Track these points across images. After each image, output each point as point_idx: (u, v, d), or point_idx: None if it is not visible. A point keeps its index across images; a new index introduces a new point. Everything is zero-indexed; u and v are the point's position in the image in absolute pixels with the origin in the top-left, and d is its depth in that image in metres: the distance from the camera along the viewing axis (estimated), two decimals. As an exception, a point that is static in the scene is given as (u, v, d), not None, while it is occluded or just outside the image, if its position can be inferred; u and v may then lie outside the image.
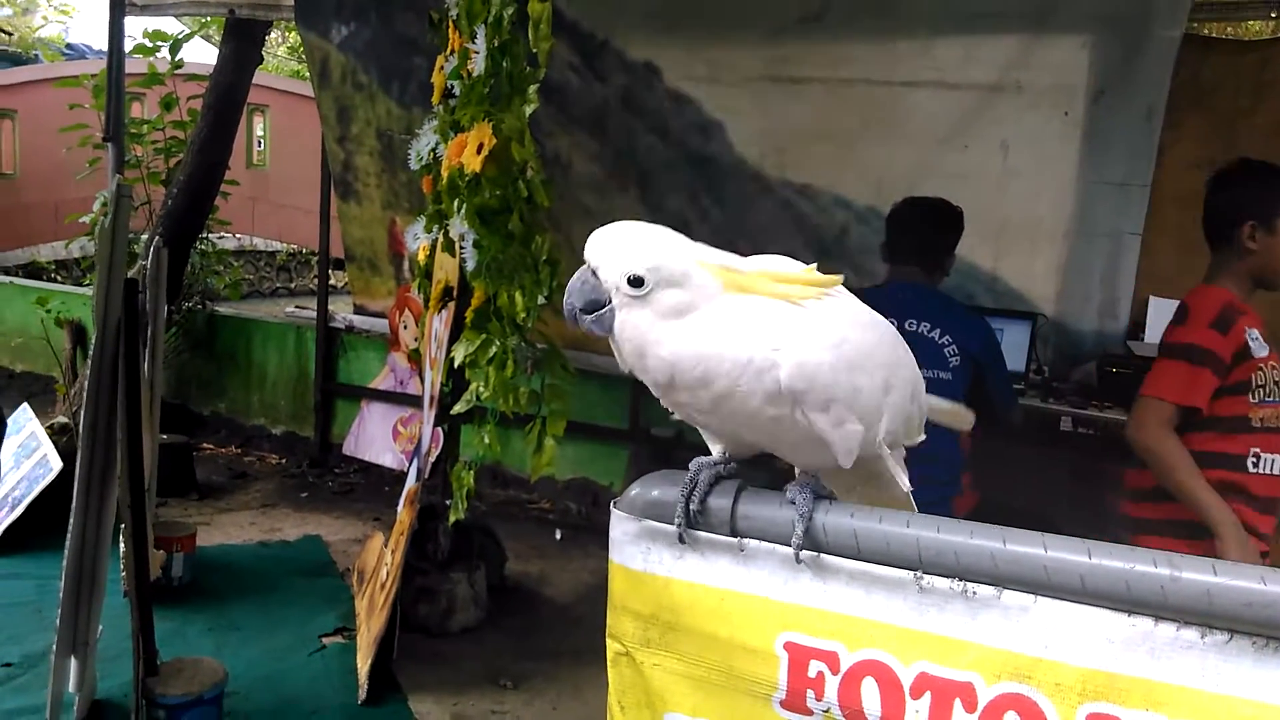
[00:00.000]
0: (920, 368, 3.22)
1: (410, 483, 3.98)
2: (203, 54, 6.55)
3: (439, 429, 3.83)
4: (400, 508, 3.93)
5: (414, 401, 5.35)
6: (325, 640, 3.81)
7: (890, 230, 3.37)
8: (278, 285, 12.23)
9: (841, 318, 1.19)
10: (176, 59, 5.79)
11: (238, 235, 10.86)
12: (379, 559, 3.97)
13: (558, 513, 5.51)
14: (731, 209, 4.75)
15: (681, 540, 1.12)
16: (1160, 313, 4.14)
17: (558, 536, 5.15)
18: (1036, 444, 4.09)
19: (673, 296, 1.11)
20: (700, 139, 4.74)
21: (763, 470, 1.25)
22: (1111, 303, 4.25)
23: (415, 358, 4.59)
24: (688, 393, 1.12)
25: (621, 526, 1.13)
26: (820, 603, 1.00)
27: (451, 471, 3.42)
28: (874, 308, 3.45)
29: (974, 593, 0.93)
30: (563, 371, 3.18)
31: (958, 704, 0.92)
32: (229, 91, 5.39)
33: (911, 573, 0.96)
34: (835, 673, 0.98)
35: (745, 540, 1.06)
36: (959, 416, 1.51)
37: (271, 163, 11.01)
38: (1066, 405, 3.96)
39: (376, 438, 5.76)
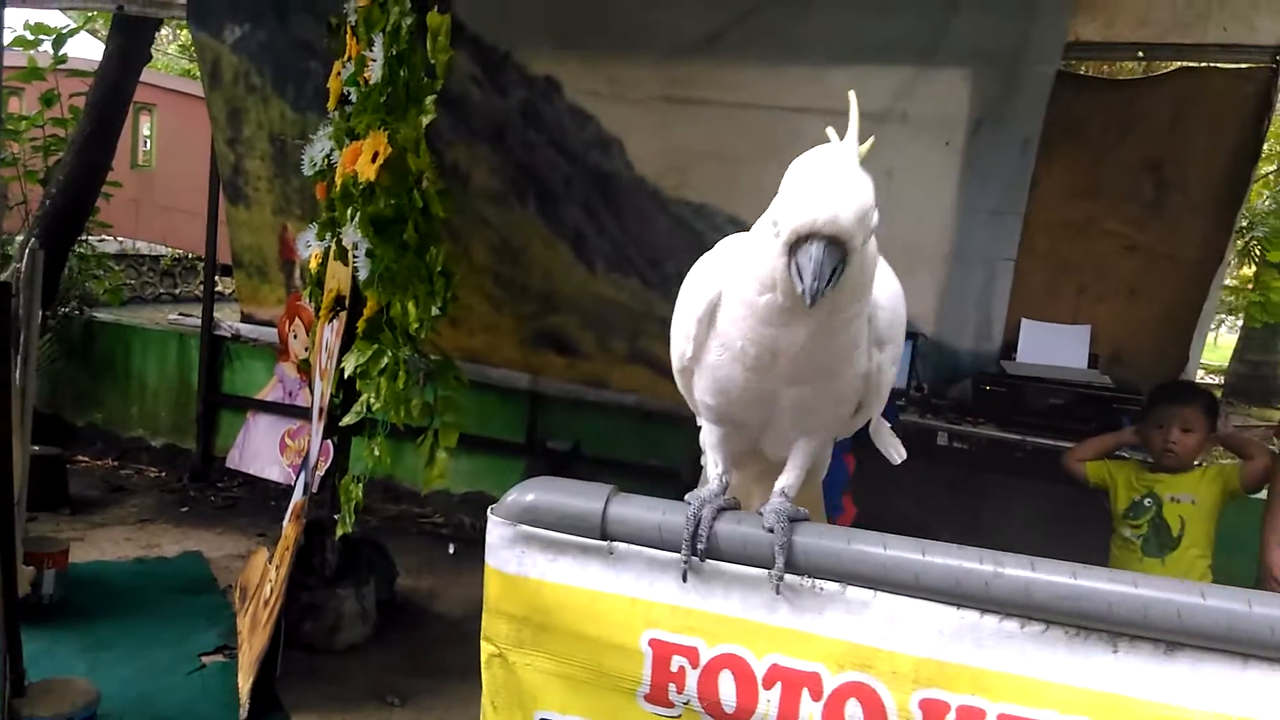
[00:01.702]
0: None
1: (297, 496, 3.90)
2: (89, 49, 6.28)
3: (328, 441, 3.77)
4: (286, 522, 3.85)
5: (303, 413, 5.24)
6: (205, 659, 3.69)
7: None
8: (161, 291, 11.76)
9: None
10: (59, 54, 5.56)
11: (120, 239, 10.44)
12: (263, 575, 3.87)
13: (452, 527, 5.47)
14: (629, 225, 4.82)
15: (684, 578, 1.10)
16: (1032, 335, 4.38)
17: (451, 551, 5.11)
18: (915, 458, 4.24)
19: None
20: (599, 155, 4.79)
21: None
22: (986, 324, 4.47)
23: (305, 368, 4.51)
24: (853, 312, 1.12)
25: (497, 531, 1.15)
26: (683, 601, 1.05)
27: (340, 485, 3.37)
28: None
29: (821, 589, 0.99)
30: (456, 383, 3.19)
31: (805, 693, 0.98)
32: (114, 90, 5.21)
33: (767, 571, 1.02)
34: (695, 667, 1.03)
35: (615, 544, 1.10)
36: (898, 449, 1.51)
37: (158, 164, 10.62)
38: (944, 421, 4.14)
39: (263, 450, 5.61)
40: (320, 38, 4.50)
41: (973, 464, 4.36)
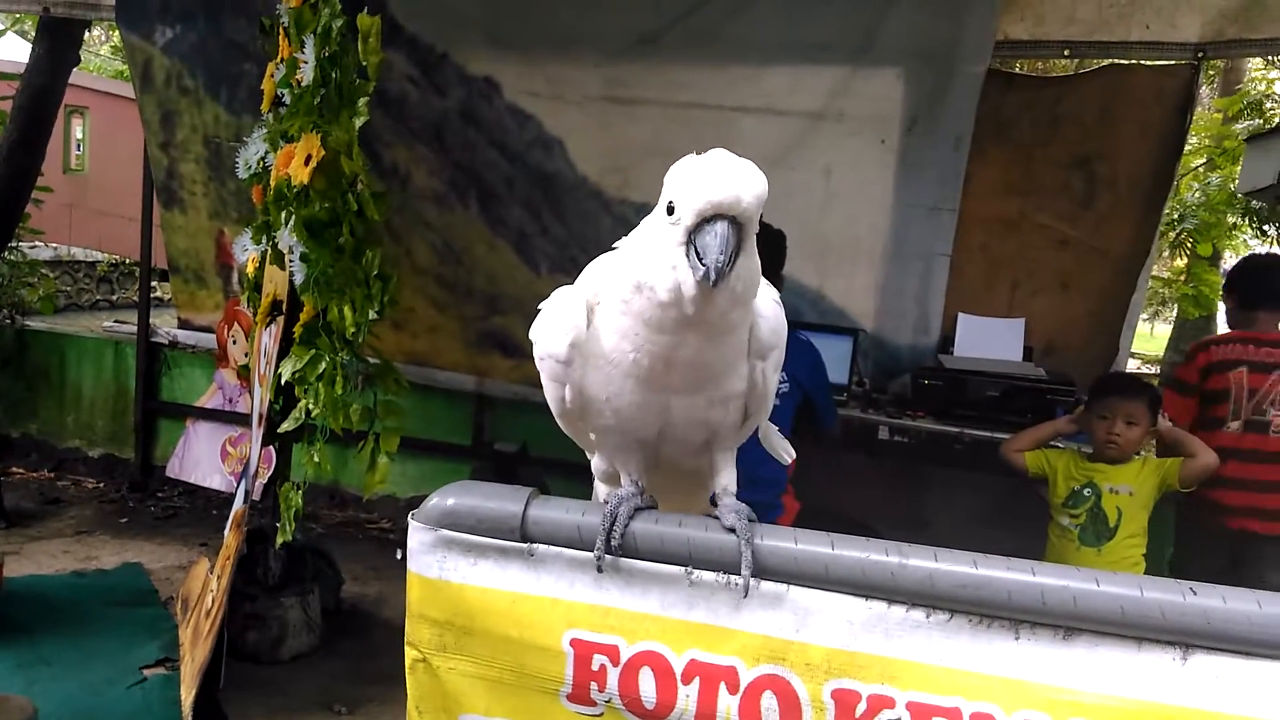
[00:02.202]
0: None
1: (238, 504, 3.85)
2: (16, 51, 6.12)
3: (269, 448, 3.72)
4: (227, 531, 3.80)
5: (243, 420, 5.17)
6: (146, 672, 3.63)
7: None
8: (98, 298, 11.49)
9: None
10: (-17, 57, 5.42)
11: (54, 245, 10.19)
12: (204, 585, 3.82)
13: (399, 532, 5.41)
14: (572, 225, 4.82)
15: (599, 569, 1.12)
16: (968, 329, 4.47)
17: (399, 556, 5.03)
18: (858, 451, 4.34)
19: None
20: (541, 155, 4.79)
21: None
22: (924, 319, 4.54)
23: (244, 374, 4.45)
24: (733, 317, 1.12)
25: (418, 536, 1.16)
26: (603, 600, 1.07)
27: (280, 492, 3.33)
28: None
29: (736, 584, 1.01)
30: (397, 387, 3.17)
31: (723, 687, 1.00)
32: (42, 93, 5.08)
33: (683, 568, 1.04)
34: (616, 665, 1.05)
35: (535, 546, 1.11)
36: (787, 449, 1.55)
37: (91, 168, 10.37)
38: (884, 415, 4.21)
39: (203, 459, 5.53)
40: (253, 39, 4.44)
41: (913, 456, 4.45)
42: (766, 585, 1.02)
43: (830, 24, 4.25)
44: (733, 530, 1.12)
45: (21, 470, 5.83)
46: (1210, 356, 3.63)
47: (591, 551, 1.08)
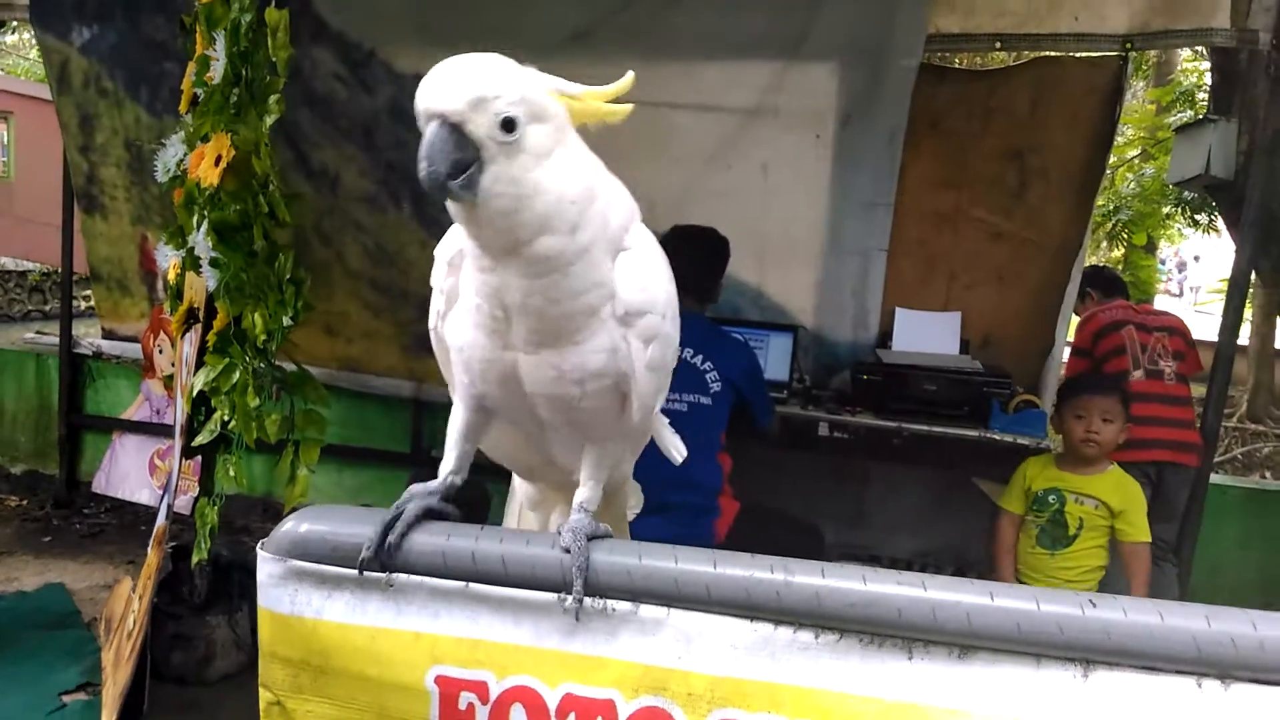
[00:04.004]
0: (683, 393, 3.32)
1: (160, 520, 3.72)
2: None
3: (193, 461, 3.59)
4: (149, 549, 3.66)
5: (171, 432, 5.02)
6: (66, 698, 3.49)
7: None
8: (30, 308, 11.17)
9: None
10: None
11: (-17, 255, 9.89)
12: (126, 605, 3.68)
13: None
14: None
15: (361, 571, 1.04)
16: (906, 323, 4.46)
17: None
18: (798, 449, 4.31)
19: (541, 134, 0.99)
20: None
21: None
22: (863, 314, 4.53)
23: (171, 385, 4.30)
24: (553, 248, 1.00)
25: (267, 569, 1.06)
26: (470, 632, 0.99)
27: (195, 508, 3.21)
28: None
29: (613, 609, 0.94)
30: (317, 396, 3.06)
31: (598, 722, 0.93)
32: (-51, 96, 4.89)
33: (556, 595, 0.96)
34: (485, 702, 0.97)
35: (395, 575, 1.03)
36: (678, 448, 1.42)
37: (17, 174, 10.07)
38: (824, 412, 4.18)
39: (131, 473, 5.34)
40: (174, 37, 4.29)
41: (853, 452, 4.43)
42: (646, 609, 0.94)
43: (763, 19, 4.22)
44: (567, 550, 1.03)
45: (-61, 489, 5.61)
46: (1099, 321, 4.45)
47: (459, 580, 1.00)
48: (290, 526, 1.07)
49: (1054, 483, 3.29)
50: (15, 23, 5.44)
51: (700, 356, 3.28)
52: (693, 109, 4.46)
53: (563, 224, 1.01)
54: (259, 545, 1.08)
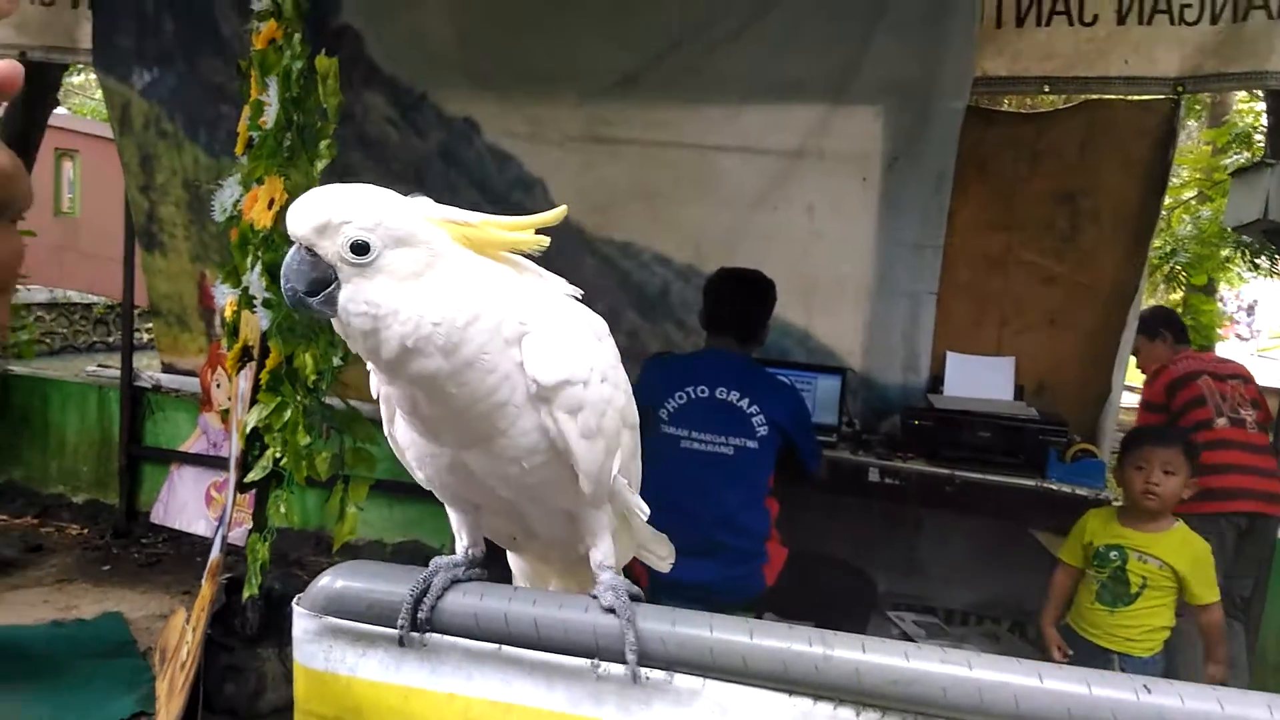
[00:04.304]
0: (729, 436, 3.30)
1: (214, 553, 3.77)
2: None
3: (248, 495, 3.65)
4: (204, 581, 3.71)
5: (227, 464, 5.10)
6: (120, 727, 3.53)
7: (707, 301, 3.48)
8: (94, 340, 11.46)
9: (588, 318, 1.16)
10: (-39, 104, 5.41)
11: (51, 288, 10.19)
12: (180, 636, 3.73)
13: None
14: (553, 265, 4.70)
15: (402, 644, 1.05)
16: (957, 367, 4.39)
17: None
18: (848, 493, 4.25)
19: (404, 258, 0.99)
20: (522, 195, 4.75)
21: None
22: (913, 358, 4.47)
23: (227, 419, 4.38)
24: (427, 369, 1.00)
25: (302, 624, 1.06)
26: (503, 695, 0.98)
27: (248, 543, 3.25)
28: (687, 374, 3.49)
29: (648, 678, 0.92)
30: (365, 434, 3.09)
31: (633, 795, 0.91)
32: (20, 138, 5.06)
33: (590, 660, 0.95)
34: (518, 767, 0.96)
35: (428, 635, 1.03)
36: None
37: (83, 210, 10.38)
38: (874, 457, 4.12)
39: (188, 504, 5.44)
40: (231, 80, 4.42)
41: (905, 499, 4.35)
42: (680, 679, 0.92)
43: (807, 62, 4.23)
44: (611, 610, 1.02)
45: (5, 517, 5.74)
46: (1171, 374, 4.32)
47: (493, 642, 0.99)
48: (326, 583, 1.07)
49: (1116, 539, 3.18)
50: (81, 65, 5.62)
51: (746, 399, 3.26)
52: (738, 151, 4.48)
53: (430, 347, 1.01)
54: (295, 600, 1.08)
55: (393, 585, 1.06)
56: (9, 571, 4.95)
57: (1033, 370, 4.42)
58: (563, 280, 1.17)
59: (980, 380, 4.34)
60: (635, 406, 1.23)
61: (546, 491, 1.13)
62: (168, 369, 5.70)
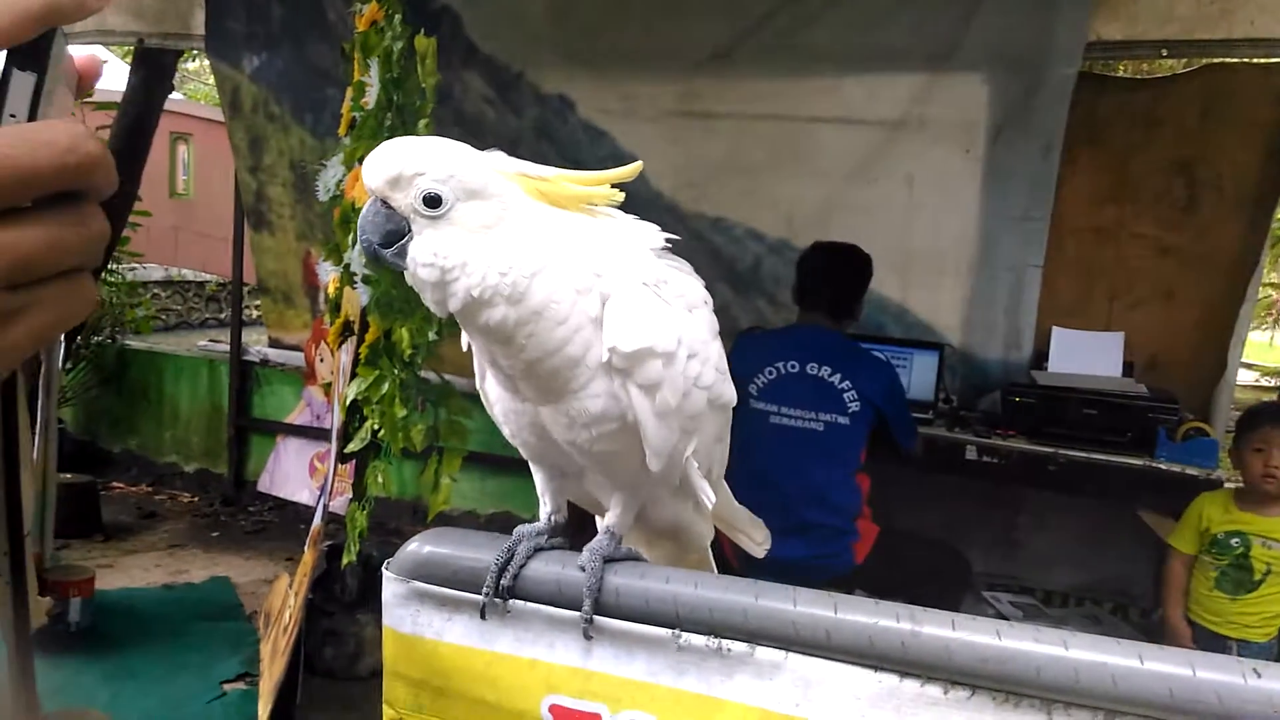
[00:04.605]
0: (819, 412, 3.25)
1: (316, 521, 3.90)
2: (114, 81, 6.39)
3: (348, 465, 3.76)
4: (306, 548, 3.84)
5: (330, 436, 5.27)
6: (227, 687, 3.70)
7: (800, 275, 3.43)
8: (207, 316, 11.95)
9: (684, 278, 1.11)
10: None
11: (166, 267, 10.66)
12: (284, 601, 3.87)
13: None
14: (647, 241, 4.75)
15: (483, 614, 1.06)
16: (1062, 343, 4.24)
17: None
18: (944, 472, 4.15)
19: (475, 210, 1.00)
20: (615, 171, 4.75)
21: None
22: (1015, 333, 4.34)
23: (329, 392, 4.52)
24: (494, 319, 1.01)
25: (391, 588, 1.09)
26: (584, 663, 0.98)
27: (347, 512, 3.36)
28: (777, 349, 3.44)
29: (729, 649, 0.91)
30: (459, 407, 3.15)
31: (713, 763, 0.90)
32: (137, 121, 5.27)
33: (671, 630, 0.94)
34: (599, 734, 0.96)
35: (512, 601, 1.04)
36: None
37: (196, 191, 10.80)
38: (972, 434, 4.01)
39: (292, 474, 5.63)
40: (336, 64, 4.52)
41: (1004, 478, 4.23)
42: (761, 651, 0.91)
43: (908, 30, 4.12)
44: (582, 569, 1.04)
45: (121, 485, 6.05)
46: None
47: (572, 609, 1.00)
48: (414, 548, 1.09)
49: (1237, 525, 3.04)
50: (195, 51, 5.82)
51: (838, 375, 3.21)
52: (835, 123, 4.39)
53: (497, 297, 1.01)
54: (384, 565, 1.10)
55: (478, 552, 1.07)
56: (125, 537, 5.23)
57: (1144, 346, 4.24)
58: (654, 228, 1.13)
59: (1087, 356, 4.18)
60: (731, 387, 1.17)
61: (616, 462, 1.11)
62: (274, 344, 5.91)
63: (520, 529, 1.12)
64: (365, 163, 1.03)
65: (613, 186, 1.09)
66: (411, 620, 1.06)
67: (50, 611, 3.79)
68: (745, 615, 0.91)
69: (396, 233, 1.02)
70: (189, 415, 6.16)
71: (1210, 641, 3.05)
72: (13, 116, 0.46)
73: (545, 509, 1.19)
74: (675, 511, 1.19)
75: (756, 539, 1.39)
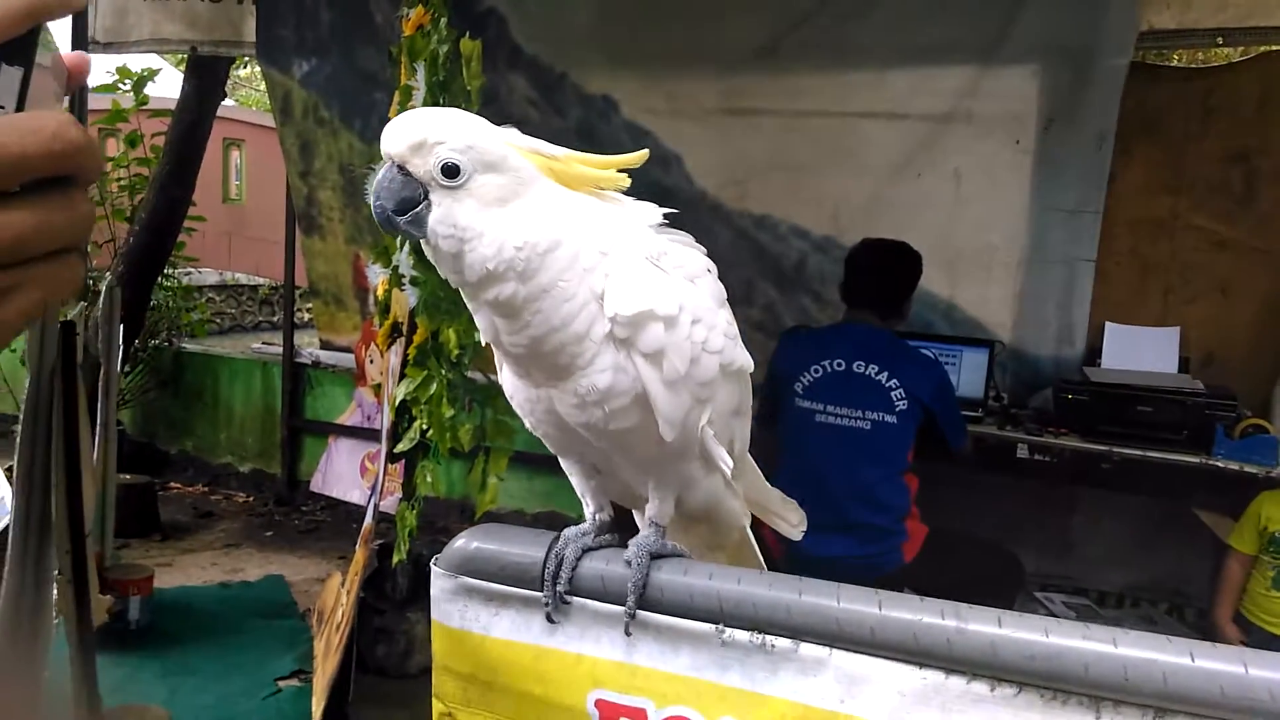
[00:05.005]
0: (866, 410, 3.23)
1: (367, 520, 3.95)
2: (168, 88, 6.55)
3: (398, 465, 3.81)
4: (358, 547, 3.90)
5: (380, 437, 5.34)
6: (281, 683, 3.75)
7: (848, 273, 3.41)
8: (260, 319, 12.18)
9: (684, 250, 1.12)
10: (141, 95, 5.81)
11: (221, 271, 10.88)
12: (336, 599, 3.92)
13: (525, 546, 5.46)
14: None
15: (551, 620, 1.06)
16: (1116, 339, 4.16)
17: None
18: (995, 471, 4.09)
19: (492, 183, 1.01)
20: (659, 170, 4.75)
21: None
22: (1068, 329, 4.26)
23: (380, 393, 4.58)
24: (505, 293, 1.01)
25: (440, 584, 1.10)
26: (629, 658, 0.99)
27: (397, 512, 3.40)
28: (825, 347, 3.43)
29: (773, 645, 0.91)
30: (506, 407, 3.17)
31: (758, 759, 0.91)
32: (191, 128, 5.40)
33: (714, 626, 0.95)
34: (645, 729, 0.97)
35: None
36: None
37: (248, 197, 11.00)
38: (1023, 433, 3.95)
39: (344, 474, 5.72)
40: (383, 68, 4.59)
41: (1056, 477, 4.16)
42: (806, 648, 0.91)
43: (956, 24, 4.08)
44: (629, 564, 1.03)
45: (179, 485, 6.19)
46: None
47: (617, 604, 1.00)
48: (462, 544, 1.10)
49: None
50: (247, 57, 5.93)
51: (885, 374, 3.19)
52: (880, 117, 4.36)
53: (510, 271, 1.01)
54: (433, 560, 1.12)
55: (524, 548, 1.08)
56: (182, 536, 5.34)
57: (1201, 341, 4.14)
58: (652, 206, 1.14)
59: (1141, 352, 4.09)
60: (745, 354, 1.17)
61: (632, 441, 1.11)
62: (325, 346, 6.00)
63: (567, 531, 1.13)
64: (386, 128, 1.04)
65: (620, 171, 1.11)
66: (459, 615, 1.07)
67: (111, 610, 3.88)
68: (789, 611, 0.91)
69: (411, 200, 1.03)
70: (243, 417, 6.28)
71: (1268, 643, 2.99)
72: (1, 108, 0.48)
73: (589, 509, 1.19)
74: (708, 491, 1.18)
75: (792, 521, 1.38)
